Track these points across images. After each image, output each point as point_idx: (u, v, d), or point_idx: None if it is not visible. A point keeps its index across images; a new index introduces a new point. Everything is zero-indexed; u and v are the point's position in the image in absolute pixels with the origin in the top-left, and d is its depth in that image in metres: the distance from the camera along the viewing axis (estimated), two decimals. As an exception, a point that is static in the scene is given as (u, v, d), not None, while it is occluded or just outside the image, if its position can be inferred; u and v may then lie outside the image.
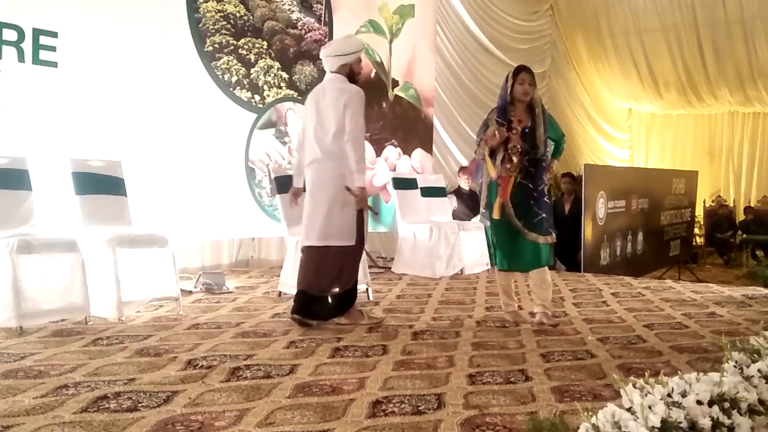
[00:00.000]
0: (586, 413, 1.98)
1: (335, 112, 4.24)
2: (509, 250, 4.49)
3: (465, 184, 8.95)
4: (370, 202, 6.55)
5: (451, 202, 8.29)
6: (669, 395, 2.02)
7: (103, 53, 5.80)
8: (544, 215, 4.42)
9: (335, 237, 4.27)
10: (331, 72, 4.40)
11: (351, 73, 4.40)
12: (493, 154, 4.40)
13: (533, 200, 4.41)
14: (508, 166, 4.38)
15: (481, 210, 4.66)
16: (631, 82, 13.83)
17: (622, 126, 15.19)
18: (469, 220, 8.05)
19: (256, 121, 7.18)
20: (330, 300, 4.40)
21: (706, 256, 12.57)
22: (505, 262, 4.56)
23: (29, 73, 5.35)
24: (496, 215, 4.43)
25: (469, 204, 8.75)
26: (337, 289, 4.36)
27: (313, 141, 4.33)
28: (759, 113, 14.06)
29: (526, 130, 4.38)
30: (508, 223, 4.44)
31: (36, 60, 5.39)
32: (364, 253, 4.54)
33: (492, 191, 4.48)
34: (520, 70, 4.47)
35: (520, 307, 4.74)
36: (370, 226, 4.88)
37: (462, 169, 9.31)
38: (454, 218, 7.75)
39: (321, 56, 4.56)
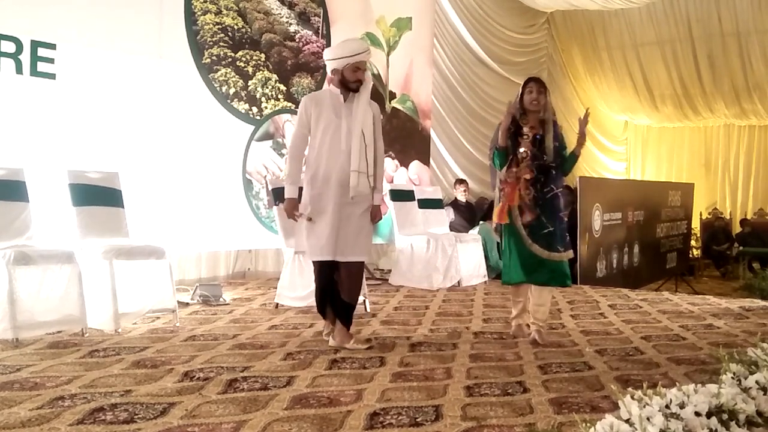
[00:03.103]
0: (584, 425, 1.98)
1: None
2: (520, 261, 4.31)
3: (462, 195, 8.96)
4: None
5: (448, 214, 8.30)
6: (667, 407, 2.02)
7: (101, 65, 5.82)
8: (552, 229, 4.28)
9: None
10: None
11: (343, 81, 4.07)
12: (505, 156, 4.32)
13: (540, 209, 4.28)
14: (515, 170, 4.30)
15: (494, 223, 4.52)
16: (627, 94, 13.90)
17: (618, 138, 15.25)
18: (467, 231, 8.06)
19: (254, 132, 7.20)
20: None
21: (702, 268, 12.58)
22: (514, 275, 4.36)
23: (27, 84, 5.37)
24: (495, 218, 4.35)
25: (466, 216, 8.77)
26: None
27: None
28: (755, 126, 14.13)
29: (538, 137, 4.33)
30: (517, 232, 4.31)
31: (34, 72, 5.41)
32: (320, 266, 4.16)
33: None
34: (530, 80, 4.44)
35: (528, 325, 4.55)
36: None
37: (459, 181, 9.33)
38: (451, 230, 7.75)
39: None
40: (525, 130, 4.35)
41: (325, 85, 4.17)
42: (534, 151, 4.32)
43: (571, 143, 4.45)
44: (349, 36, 8.09)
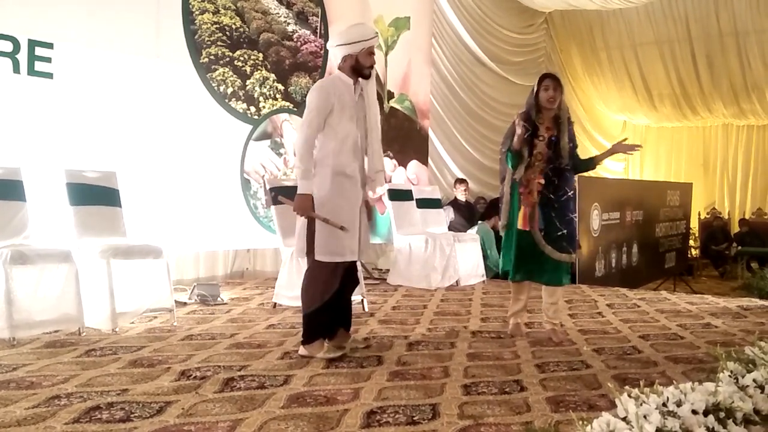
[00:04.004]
0: (581, 423, 1.97)
1: None
2: (529, 261, 4.34)
3: (462, 195, 8.96)
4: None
5: (447, 214, 8.30)
6: (664, 405, 2.01)
7: (99, 64, 5.80)
8: (565, 231, 4.31)
9: (299, 251, 3.88)
10: (338, 69, 3.90)
11: (357, 67, 3.81)
12: (519, 158, 4.30)
13: (555, 212, 4.30)
14: (530, 172, 4.30)
15: (501, 221, 4.47)
16: (625, 94, 13.90)
17: (616, 138, 15.20)
18: (466, 231, 8.05)
19: (252, 132, 7.18)
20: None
21: (701, 268, 12.59)
22: (520, 273, 4.40)
23: (24, 84, 5.35)
24: (521, 225, 4.30)
25: (465, 215, 8.76)
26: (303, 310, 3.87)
27: None
28: (753, 126, 14.14)
29: (553, 139, 4.30)
30: (529, 233, 4.32)
31: (31, 71, 5.39)
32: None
33: (514, 200, 4.37)
34: (546, 76, 4.38)
35: (527, 325, 4.60)
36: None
37: (459, 180, 9.33)
38: (450, 229, 7.74)
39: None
40: (541, 131, 4.31)
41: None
42: (549, 153, 4.31)
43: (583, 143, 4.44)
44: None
